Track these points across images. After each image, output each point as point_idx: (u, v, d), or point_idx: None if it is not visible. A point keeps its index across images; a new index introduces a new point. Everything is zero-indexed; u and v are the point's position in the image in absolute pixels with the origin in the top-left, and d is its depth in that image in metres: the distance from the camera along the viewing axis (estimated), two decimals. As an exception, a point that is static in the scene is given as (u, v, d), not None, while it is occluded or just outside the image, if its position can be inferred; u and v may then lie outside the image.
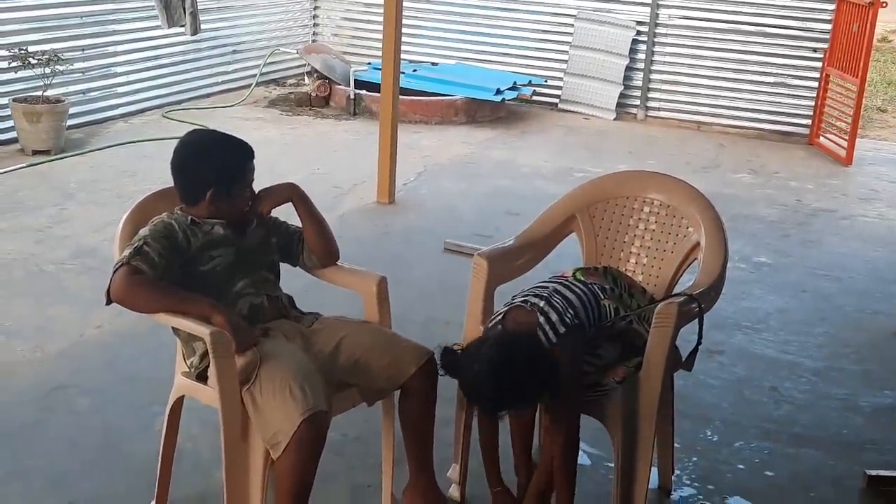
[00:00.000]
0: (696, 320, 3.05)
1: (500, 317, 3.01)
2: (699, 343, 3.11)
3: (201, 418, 3.46)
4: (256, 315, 2.99)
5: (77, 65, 7.93)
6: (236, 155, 3.04)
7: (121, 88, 8.70)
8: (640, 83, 10.02)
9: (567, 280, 3.08)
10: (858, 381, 4.50)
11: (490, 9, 10.48)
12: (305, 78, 10.14)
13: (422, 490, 3.09)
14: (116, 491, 3.30)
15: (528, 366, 2.74)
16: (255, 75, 10.10)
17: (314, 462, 2.71)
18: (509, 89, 9.65)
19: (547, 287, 3.01)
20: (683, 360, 3.15)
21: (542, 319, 2.87)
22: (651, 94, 10.05)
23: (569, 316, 2.88)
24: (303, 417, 2.62)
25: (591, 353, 2.98)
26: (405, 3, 6.81)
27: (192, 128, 3.23)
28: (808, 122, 9.52)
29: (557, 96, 10.27)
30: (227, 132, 3.19)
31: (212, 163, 3.00)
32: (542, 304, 2.91)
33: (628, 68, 9.96)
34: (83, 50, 8.17)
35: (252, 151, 3.06)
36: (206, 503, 3.23)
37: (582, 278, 3.10)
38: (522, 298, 2.99)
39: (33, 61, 7.26)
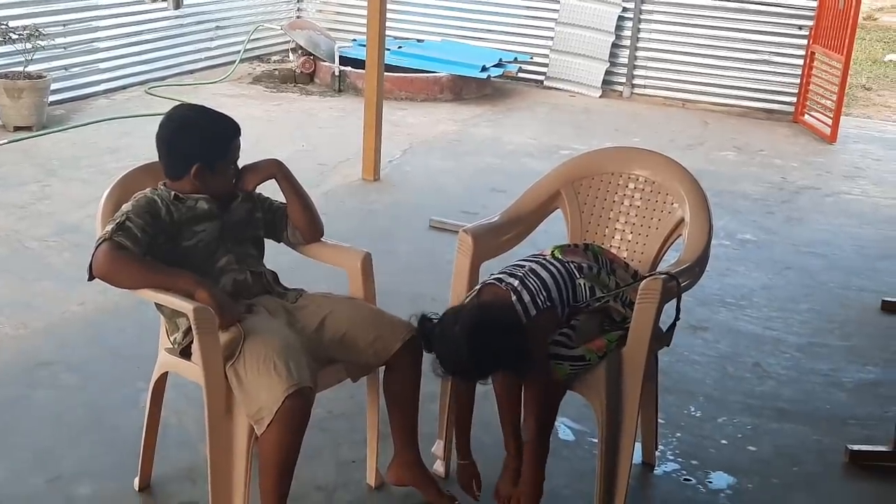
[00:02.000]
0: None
1: (475, 293, 3.04)
2: (677, 318, 3.13)
3: (186, 394, 3.46)
4: (240, 291, 2.98)
5: (59, 40, 7.84)
6: (223, 131, 3.01)
7: (103, 64, 8.63)
8: (625, 60, 10.01)
9: (544, 259, 3.09)
10: (842, 357, 4.53)
11: (476, -15, 10.45)
12: (290, 54, 10.09)
13: (407, 465, 3.11)
14: (101, 466, 3.29)
15: (504, 330, 2.76)
16: (238, 51, 10.02)
17: (298, 438, 2.71)
18: (495, 66, 9.62)
19: (523, 266, 3.03)
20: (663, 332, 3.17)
21: (514, 298, 2.89)
22: (637, 72, 10.04)
23: (541, 298, 2.90)
24: (287, 393, 2.62)
25: (565, 325, 3.00)
26: (390, -21, 6.77)
27: (175, 104, 3.20)
28: (793, 99, 9.54)
29: (543, 73, 10.25)
30: (213, 108, 3.17)
31: (198, 138, 2.97)
32: (515, 283, 2.93)
33: (614, 45, 9.94)
34: (65, 25, 8.09)
35: (239, 128, 3.04)
36: (190, 478, 3.23)
37: (560, 256, 3.11)
38: (497, 277, 3.00)
39: (14, 36, 7.20)
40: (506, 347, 2.76)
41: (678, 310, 3.09)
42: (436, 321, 2.87)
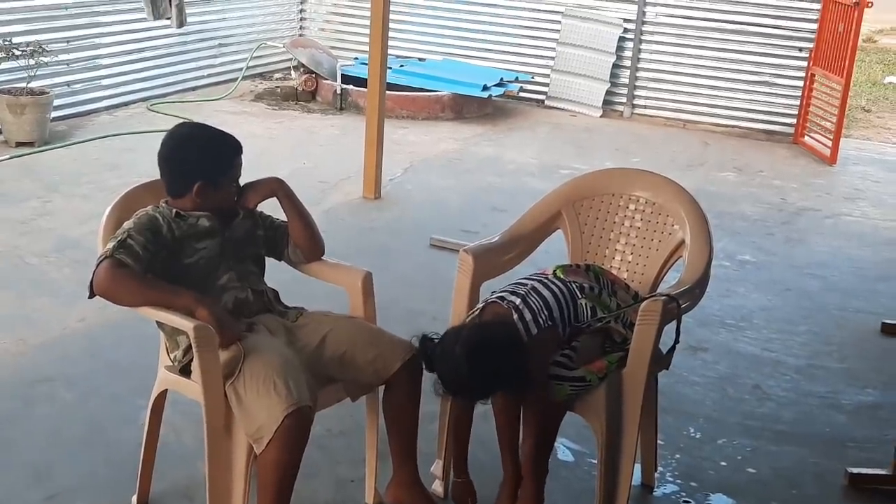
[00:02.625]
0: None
1: (477, 311, 3.04)
2: (677, 341, 3.12)
3: (185, 411, 3.45)
4: (241, 309, 2.98)
5: (62, 56, 7.88)
6: (225, 149, 3.03)
7: (106, 81, 8.65)
8: (626, 81, 10.03)
9: (546, 278, 3.09)
10: (841, 379, 4.52)
11: (477, 4, 10.47)
12: (292, 72, 10.13)
13: (405, 485, 3.10)
14: (99, 483, 3.29)
15: (505, 350, 2.76)
16: (241, 69, 10.05)
17: (297, 457, 2.70)
18: (496, 85, 9.65)
19: (525, 284, 3.03)
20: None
21: (515, 317, 2.89)
22: (637, 92, 10.07)
23: (543, 317, 2.91)
24: (286, 412, 2.62)
25: (566, 346, 3.00)
26: (393, -2, 6.80)
27: (178, 121, 3.22)
28: (794, 121, 9.56)
29: (544, 93, 10.28)
30: (215, 126, 3.18)
31: (200, 156, 2.98)
32: (517, 301, 2.93)
33: (615, 66, 9.97)
34: (68, 42, 8.12)
35: (240, 146, 3.06)
36: (188, 496, 3.22)
37: (562, 276, 3.11)
38: (499, 295, 3.00)
39: (17, 53, 7.21)
40: (507, 367, 2.76)
41: (678, 332, 3.09)
42: (437, 341, 2.87)
